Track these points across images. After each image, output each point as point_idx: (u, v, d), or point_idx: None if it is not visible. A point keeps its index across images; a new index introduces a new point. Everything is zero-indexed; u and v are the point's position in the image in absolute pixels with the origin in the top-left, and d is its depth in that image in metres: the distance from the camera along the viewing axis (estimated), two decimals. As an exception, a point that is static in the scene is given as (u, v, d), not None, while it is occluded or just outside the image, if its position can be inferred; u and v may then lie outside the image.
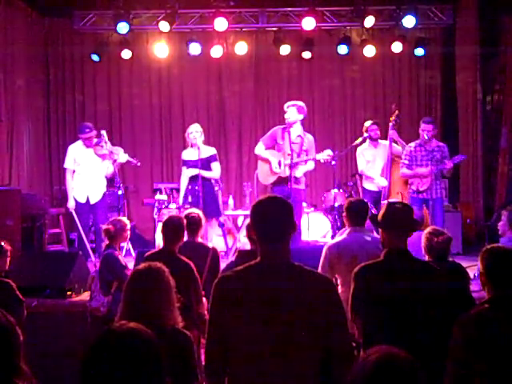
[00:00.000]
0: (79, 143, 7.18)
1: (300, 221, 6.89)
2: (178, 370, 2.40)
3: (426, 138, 6.73)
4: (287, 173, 6.59)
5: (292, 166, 6.51)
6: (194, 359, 2.39)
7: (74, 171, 7.10)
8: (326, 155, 6.59)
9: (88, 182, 7.06)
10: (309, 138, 6.79)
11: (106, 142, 7.01)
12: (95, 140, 7.05)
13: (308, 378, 2.18)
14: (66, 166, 7.16)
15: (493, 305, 2.55)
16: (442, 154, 6.73)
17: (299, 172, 6.64)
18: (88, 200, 7.06)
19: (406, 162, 6.78)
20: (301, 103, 6.77)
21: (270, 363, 2.15)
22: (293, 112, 6.68)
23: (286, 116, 6.71)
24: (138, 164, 7.32)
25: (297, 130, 6.69)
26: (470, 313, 2.58)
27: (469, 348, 2.44)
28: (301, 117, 6.72)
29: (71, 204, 7.06)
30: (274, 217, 2.25)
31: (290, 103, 6.79)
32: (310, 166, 6.76)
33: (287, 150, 6.61)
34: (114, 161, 7.05)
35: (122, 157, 7.06)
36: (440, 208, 6.80)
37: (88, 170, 7.07)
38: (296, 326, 2.16)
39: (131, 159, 7.12)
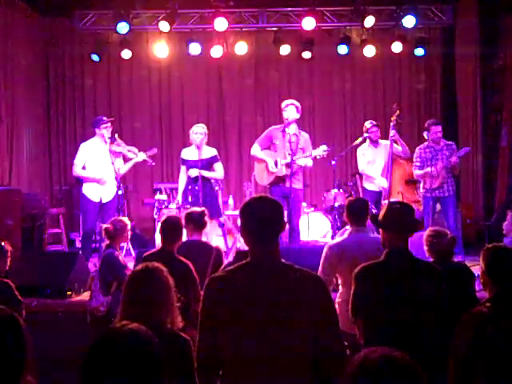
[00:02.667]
0: (92, 141, 7.01)
1: (299, 221, 6.89)
2: (176, 372, 2.39)
3: (426, 137, 6.98)
4: (284, 172, 6.61)
5: (291, 165, 6.51)
6: (193, 362, 2.38)
7: (83, 168, 6.91)
8: (321, 151, 6.58)
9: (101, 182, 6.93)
10: (304, 135, 6.82)
11: (120, 142, 6.98)
12: (108, 140, 6.88)
13: (300, 377, 2.17)
14: (76, 162, 6.94)
15: (494, 303, 2.55)
16: (451, 151, 6.87)
17: (301, 162, 6.61)
18: (101, 199, 6.88)
19: (418, 163, 6.95)
20: (297, 102, 6.79)
21: (262, 363, 2.14)
22: (292, 111, 6.68)
23: (285, 115, 6.70)
24: (153, 164, 7.31)
25: (292, 129, 6.69)
26: (471, 312, 2.58)
27: (471, 347, 2.44)
28: (298, 116, 6.74)
29: (99, 177, 6.82)
30: (264, 217, 2.25)
31: (288, 102, 6.79)
32: (309, 162, 6.75)
33: (286, 150, 6.61)
34: (127, 160, 7.01)
35: (140, 156, 7.02)
36: (452, 206, 6.92)
37: (101, 169, 6.87)
38: (287, 325, 2.15)
39: (147, 159, 7.07)
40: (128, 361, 1.50)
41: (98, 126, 6.94)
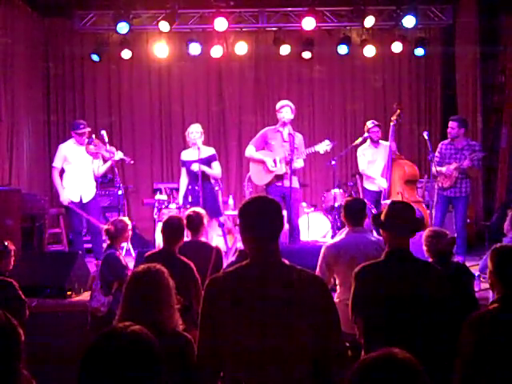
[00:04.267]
0: (70, 142, 7.15)
1: (298, 220, 6.92)
2: (178, 372, 2.39)
3: (426, 137, 6.86)
4: (283, 170, 6.69)
5: (291, 162, 6.59)
6: (195, 361, 2.38)
7: (61, 170, 7.06)
8: (325, 145, 6.67)
9: (80, 181, 7.04)
10: (298, 136, 6.90)
11: (105, 143, 7.02)
12: (86, 140, 7.02)
13: (301, 378, 2.16)
14: (54, 164, 7.10)
15: (502, 304, 2.55)
16: (470, 151, 6.81)
17: (297, 164, 6.73)
18: (81, 199, 7.03)
19: (437, 159, 6.90)
20: (291, 104, 6.85)
21: (262, 364, 2.13)
22: (287, 112, 6.75)
23: (280, 116, 6.76)
24: (132, 162, 7.41)
25: (287, 130, 6.79)
26: (479, 313, 2.58)
27: (479, 348, 2.43)
28: (292, 116, 6.82)
29: (64, 197, 6.96)
30: (264, 216, 2.24)
31: (283, 103, 6.85)
32: (300, 163, 6.84)
33: (285, 149, 6.68)
34: (106, 160, 7.08)
35: (117, 155, 7.11)
36: (462, 207, 6.86)
37: (79, 169, 7.05)
38: (288, 325, 2.14)
39: (125, 157, 7.18)
40: (126, 362, 1.50)
41: (74, 130, 7.09)
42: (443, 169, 6.81)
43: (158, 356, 1.56)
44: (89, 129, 7.12)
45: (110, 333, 1.58)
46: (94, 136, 7.04)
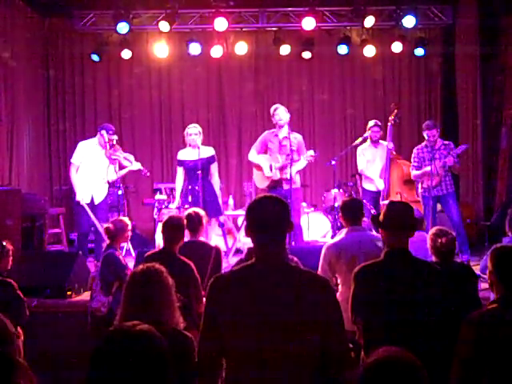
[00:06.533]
0: (92, 141, 7.15)
1: (299, 220, 6.93)
2: (177, 372, 2.39)
3: (426, 137, 6.92)
4: (278, 176, 6.79)
5: (282, 168, 6.70)
6: (194, 361, 2.38)
7: (78, 168, 7.06)
8: (308, 156, 6.70)
9: (93, 182, 7.04)
10: (297, 137, 6.93)
11: (106, 142, 7.03)
12: (108, 145, 7.04)
13: (304, 378, 2.16)
14: (72, 160, 7.09)
15: (502, 304, 2.54)
16: (448, 150, 6.85)
17: (292, 171, 6.73)
18: (92, 200, 7.05)
19: (415, 164, 6.93)
20: (281, 106, 6.92)
21: (266, 364, 2.13)
22: (282, 113, 6.80)
23: (276, 119, 6.82)
24: (148, 174, 7.40)
25: (284, 132, 6.84)
26: (478, 312, 2.57)
27: (478, 348, 2.42)
28: (288, 116, 6.85)
29: (81, 196, 6.96)
30: (271, 217, 2.22)
31: (274, 106, 6.92)
32: (301, 164, 6.86)
33: (281, 153, 6.77)
34: (121, 168, 7.08)
35: (135, 165, 7.14)
36: (453, 202, 6.90)
37: (94, 170, 7.04)
38: (292, 326, 2.14)
39: (142, 168, 7.22)
40: (135, 361, 1.50)
41: (106, 131, 7.06)
42: (428, 168, 6.76)
43: (166, 354, 1.56)
44: (116, 137, 7.12)
45: (118, 332, 1.58)
46: (115, 141, 7.04)
